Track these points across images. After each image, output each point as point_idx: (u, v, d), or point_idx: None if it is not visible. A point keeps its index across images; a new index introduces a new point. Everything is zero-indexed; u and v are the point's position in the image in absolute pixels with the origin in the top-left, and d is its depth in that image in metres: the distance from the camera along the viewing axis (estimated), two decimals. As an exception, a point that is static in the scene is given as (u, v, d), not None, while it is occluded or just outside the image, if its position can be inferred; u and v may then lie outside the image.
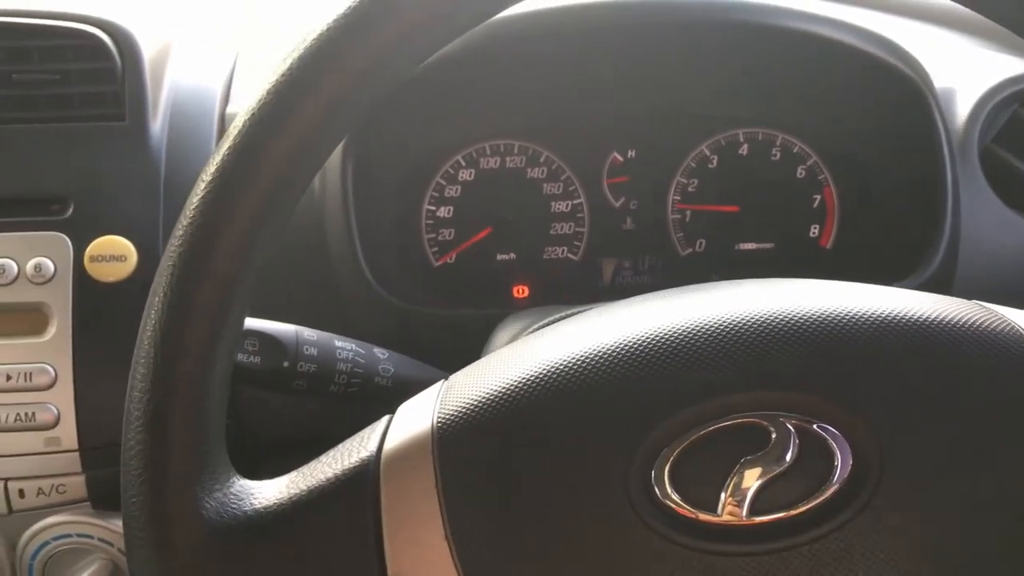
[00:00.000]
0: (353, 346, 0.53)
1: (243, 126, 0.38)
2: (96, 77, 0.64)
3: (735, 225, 0.77)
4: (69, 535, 0.61)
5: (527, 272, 0.77)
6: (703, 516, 0.36)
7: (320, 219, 0.69)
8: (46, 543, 0.61)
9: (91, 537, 0.61)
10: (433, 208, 0.76)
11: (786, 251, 0.77)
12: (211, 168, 0.38)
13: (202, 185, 0.38)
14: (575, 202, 0.77)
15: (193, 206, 0.38)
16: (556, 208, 0.77)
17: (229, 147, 0.38)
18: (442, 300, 0.75)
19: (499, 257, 0.76)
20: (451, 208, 0.76)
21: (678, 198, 0.77)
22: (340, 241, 0.67)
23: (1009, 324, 0.39)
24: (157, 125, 0.64)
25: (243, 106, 0.39)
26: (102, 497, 0.60)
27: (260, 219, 0.38)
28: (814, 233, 0.77)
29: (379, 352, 0.55)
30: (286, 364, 0.51)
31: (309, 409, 0.55)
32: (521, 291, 0.77)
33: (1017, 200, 0.72)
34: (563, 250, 0.77)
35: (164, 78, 0.66)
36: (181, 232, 0.38)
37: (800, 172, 0.77)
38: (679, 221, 0.77)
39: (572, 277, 0.77)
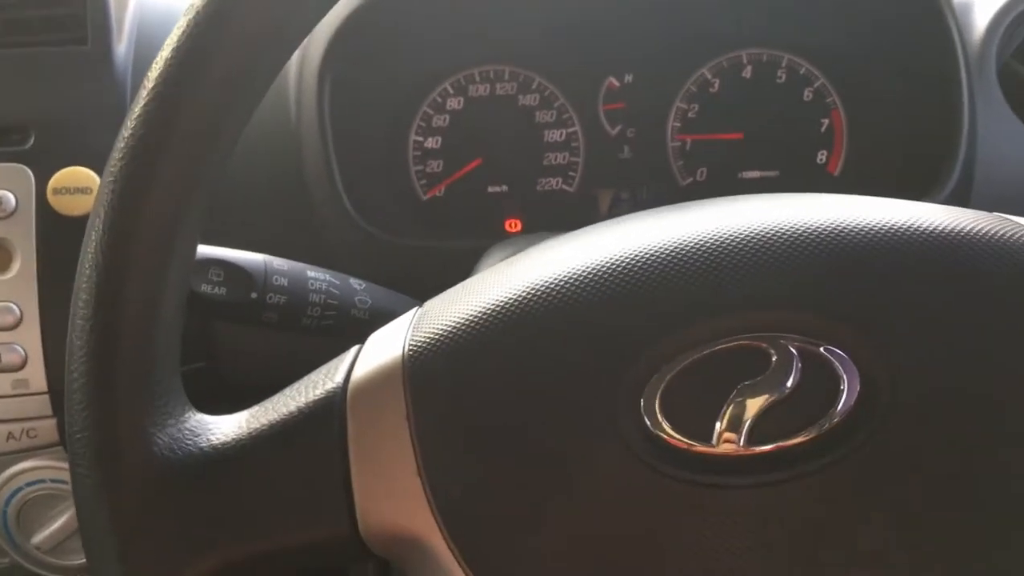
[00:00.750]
0: (327, 276, 0.50)
1: (187, 25, 0.34)
2: None
3: (738, 152, 0.73)
4: (42, 480, 0.59)
5: (520, 205, 0.73)
6: (698, 447, 0.33)
7: (298, 149, 0.65)
8: (19, 489, 0.59)
9: (65, 482, 0.59)
10: (420, 139, 0.73)
11: (792, 179, 0.73)
12: (152, 74, 0.35)
13: (144, 92, 0.35)
14: (569, 131, 0.73)
15: (135, 115, 0.35)
16: (549, 137, 0.73)
17: (173, 48, 0.34)
18: (431, 234, 0.72)
19: (490, 189, 0.73)
20: (439, 138, 0.73)
21: (678, 125, 0.73)
22: (318, 170, 0.64)
23: None
24: (122, 48, 0.61)
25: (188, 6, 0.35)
26: (74, 441, 0.58)
27: (210, 129, 0.35)
28: (821, 159, 0.73)
29: (355, 283, 0.52)
30: (254, 295, 0.48)
31: (286, 348, 0.52)
32: (514, 225, 0.73)
33: (1037, 119, 0.68)
34: (557, 181, 0.73)
35: (129, -2, 0.63)
36: (122, 145, 0.35)
37: (807, 95, 0.73)
38: (679, 149, 0.73)
39: (567, 209, 0.73)
